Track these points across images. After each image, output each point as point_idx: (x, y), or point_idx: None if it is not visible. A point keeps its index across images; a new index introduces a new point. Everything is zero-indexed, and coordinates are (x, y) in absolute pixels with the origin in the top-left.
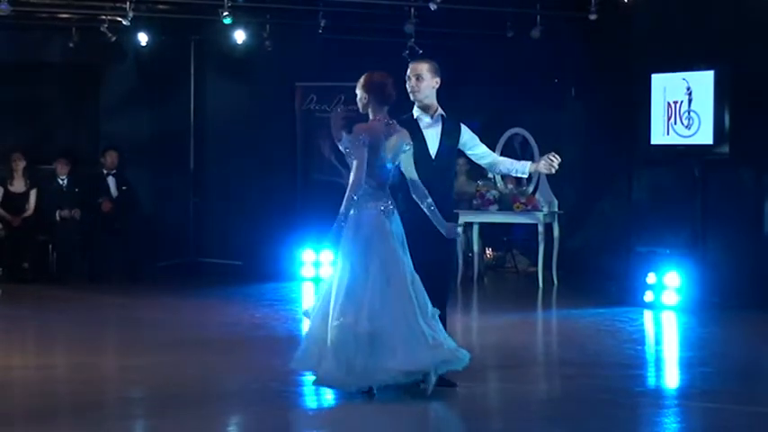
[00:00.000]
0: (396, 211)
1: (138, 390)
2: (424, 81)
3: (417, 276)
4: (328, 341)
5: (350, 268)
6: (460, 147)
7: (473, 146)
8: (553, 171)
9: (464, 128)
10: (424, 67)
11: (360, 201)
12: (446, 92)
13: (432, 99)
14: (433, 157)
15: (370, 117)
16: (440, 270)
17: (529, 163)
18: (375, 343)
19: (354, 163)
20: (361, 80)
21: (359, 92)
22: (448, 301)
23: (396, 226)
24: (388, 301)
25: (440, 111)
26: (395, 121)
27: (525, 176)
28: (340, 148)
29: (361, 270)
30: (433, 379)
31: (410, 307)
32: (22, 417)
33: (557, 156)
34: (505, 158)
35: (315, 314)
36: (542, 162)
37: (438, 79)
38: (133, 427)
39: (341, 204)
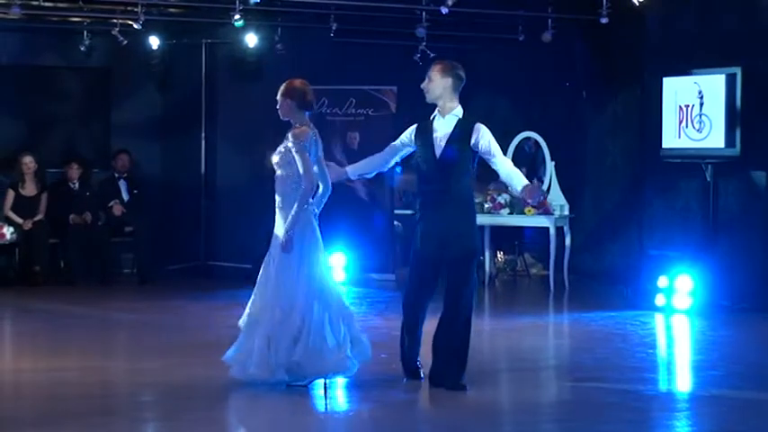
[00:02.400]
0: (316, 216)
1: (148, 393)
2: (432, 82)
3: (329, 277)
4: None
5: (282, 265)
6: (474, 148)
7: (487, 154)
8: (534, 201)
9: (481, 131)
10: (434, 68)
11: (299, 203)
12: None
13: (443, 99)
14: (438, 156)
15: (293, 123)
16: (458, 271)
17: (522, 183)
18: (298, 339)
19: (302, 167)
20: (282, 87)
21: (280, 98)
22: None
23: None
24: (307, 304)
25: (454, 111)
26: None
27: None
28: (275, 155)
29: (295, 267)
30: (327, 385)
31: (320, 308)
32: (33, 420)
33: (542, 186)
34: (513, 171)
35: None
36: (529, 187)
37: (450, 79)
38: (143, 429)
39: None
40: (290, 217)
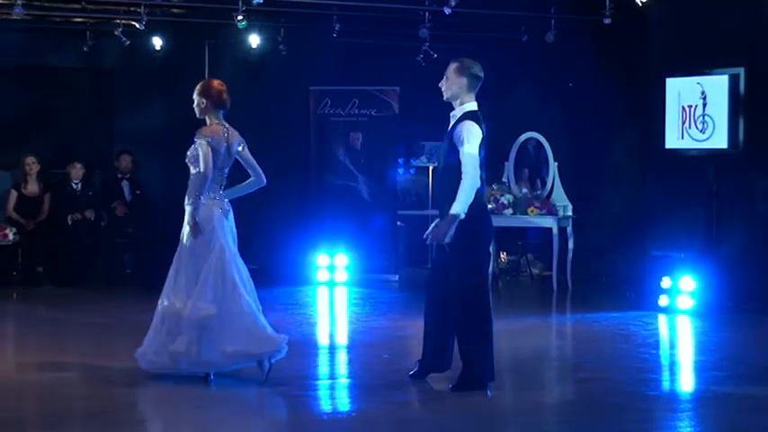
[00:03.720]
0: (231, 210)
1: (150, 394)
2: (447, 81)
3: (247, 271)
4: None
5: (188, 259)
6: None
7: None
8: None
9: (458, 128)
10: (450, 68)
11: (205, 199)
12: None
13: (456, 98)
14: (441, 156)
15: (207, 122)
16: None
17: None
18: (208, 330)
19: (202, 160)
20: (199, 87)
21: (196, 97)
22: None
23: (231, 223)
24: (224, 292)
25: (460, 111)
26: (227, 124)
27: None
28: (188, 152)
29: (200, 261)
30: (267, 365)
31: (245, 298)
32: (36, 420)
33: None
34: (460, 189)
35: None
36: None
37: (465, 78)
38: (146, 429)
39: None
40: (188, 207)
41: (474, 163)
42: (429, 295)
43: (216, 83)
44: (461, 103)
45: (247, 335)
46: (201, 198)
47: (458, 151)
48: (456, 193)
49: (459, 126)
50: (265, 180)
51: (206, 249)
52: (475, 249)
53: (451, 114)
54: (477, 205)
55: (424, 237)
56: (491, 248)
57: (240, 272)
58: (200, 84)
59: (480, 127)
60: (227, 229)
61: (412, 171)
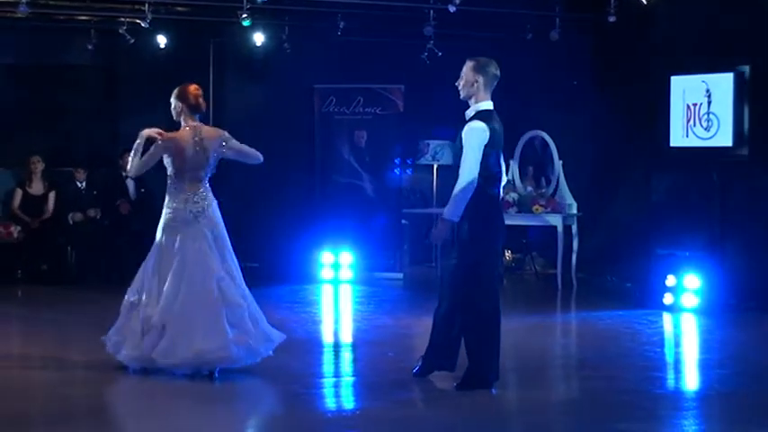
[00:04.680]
0: (210, 209)
1: (154, 391)
2: (463, 79)
3: (233, 275)
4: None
5: (153, 260)
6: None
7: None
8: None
9: (464, 131)
10: (466, 66)
11: (171, 198)
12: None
13: (471, 97)
14: (455, 155)
15: (182, 124)
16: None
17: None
18: (168, 330)
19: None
20: (176, 91)
21: (173, 101)
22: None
23: (208, 224)
24: (185, 295)
25: (473, 110)
26: (202, 125)
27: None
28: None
29: (164, 263)
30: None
31: (210, 302)
32: (40, 418)
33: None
34: (452, 198)
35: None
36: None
37: (480, 77)
38: (150, 427)
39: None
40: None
41: (469, 167)
42: (439, 294)
43: (192, 87)
44: (476, 102)
45: (201, 340)
46: (167, 199)
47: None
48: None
49: (465, 126)
50: (261, 157)
51: (170, 251)
52: (484, 250)
53: (466, 113)
54: (489, 205)
55: (427, 237)
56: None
57: (204, 276)
58: (178, 88)
59: (492, 126)
60: (195, 233)
61: (409, 171)
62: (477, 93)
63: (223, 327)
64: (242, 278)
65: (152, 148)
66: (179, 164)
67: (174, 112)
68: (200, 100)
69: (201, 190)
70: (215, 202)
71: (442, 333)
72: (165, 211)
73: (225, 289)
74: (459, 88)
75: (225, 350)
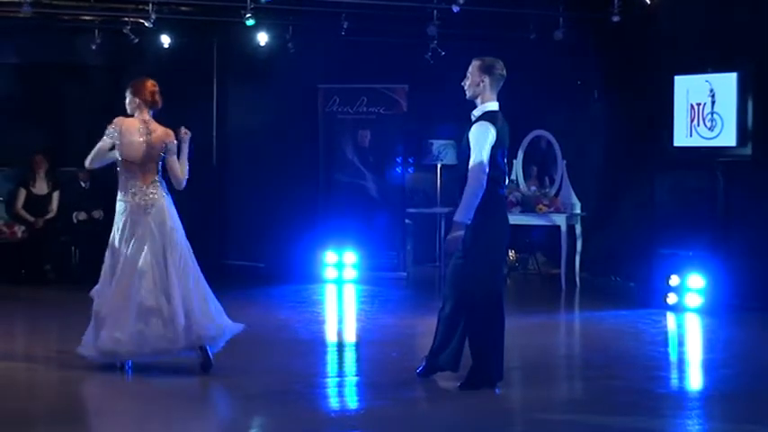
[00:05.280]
0: (162, 202)
1: (158, 391)
2: (469, 79)
3: (189, 263)
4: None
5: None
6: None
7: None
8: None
9: (471, 132)
10: (472, 66)
11: (122, 191)
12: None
13: (477, 97)
14: (460, 155)
15: (136, 115)
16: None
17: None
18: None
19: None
20: (131, 85)
21: (128, 95)
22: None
23: (158, 215)
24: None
25: (480, 111)
26: (153, 121)
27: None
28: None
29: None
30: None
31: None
32: (45, 417)
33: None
34: (463, 196)
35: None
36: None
37: (487, 77)
38: (154, 428)
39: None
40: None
41: (479, 168)
42: (443, 294)
43: (149, 83)
44: (482, 102)
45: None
46: (119, 194)
47: (467, 150)
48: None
49: (472, 128)
50: (183, 184)
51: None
52: (489, 249)
53: (472, 113)
54: (495, 204)
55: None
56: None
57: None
58: (133, 82)
59: (498, 127)
60: (144, 224)
61: (412, 170)
62: (484, 93)
63: (127, 320)
64: (184, 274)
65: (101, 141)
66: (126, 153)
67: (128, 107)
68: (156, 96)
69: (153, 182)
70: (168, 197)
71: (446, 333)
72: (117, 204)
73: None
74: (465, 88)
75: (129, 344)
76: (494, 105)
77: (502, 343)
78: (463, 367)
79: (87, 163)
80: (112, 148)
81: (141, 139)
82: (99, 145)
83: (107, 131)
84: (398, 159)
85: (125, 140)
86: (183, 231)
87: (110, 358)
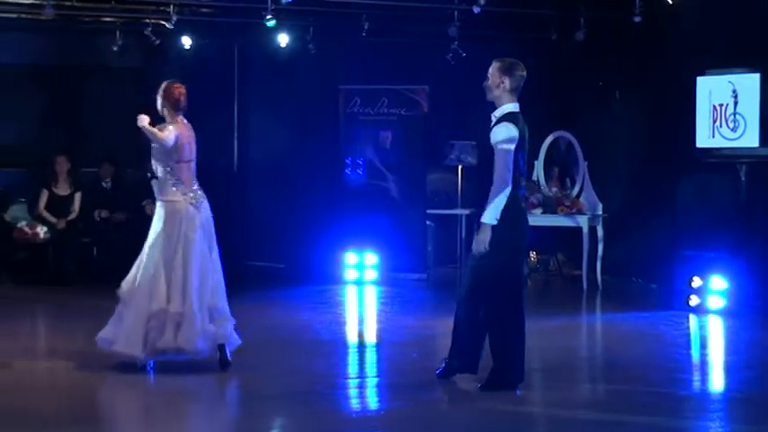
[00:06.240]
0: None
1: (181, 393)
2: (489, 80)
3: (211, 265)
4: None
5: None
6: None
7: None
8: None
9: (494, 134)
10: (493, 67)
11: (168, 192)
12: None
13: (500, 99)
14: (482, 156)
15: (168, 120)
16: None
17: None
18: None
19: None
20: (160, 89)
21: (159, 99)
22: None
23: (205, 211)
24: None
25: (500, 112)
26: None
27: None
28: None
29: (169, 256)
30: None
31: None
32: (71, 419)
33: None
34: (490, 197)
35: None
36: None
37: (507, 78)
38: (174, 428)
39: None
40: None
41: (504, 162)
42: (460, 295)
43: (175, 86)
44: (503, 104)
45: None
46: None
47: (493, 152)
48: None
49: (494, 129)
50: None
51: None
52: (509, 250)
53: (492, 115)
54: (515, 205)
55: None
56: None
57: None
58: (162, 86)
59: (519, 128)
60: (196, 222)
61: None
62: (504, 94)
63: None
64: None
65: (165, 132)
66: (180, 155)
67: (161, 111)
68: (183, 99)
69: (196, 181)
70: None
71: (464, 334)
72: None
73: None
74: (486, 89)
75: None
76: (514, 107)
77: (523, 344)
78: (482, 369)
79: (161, 142)
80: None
81: (190, 142)
82: (160, 134)
83: (171, 134)
84: (422, 161)
85: (180, 143)
86: None
87: (159, 356)
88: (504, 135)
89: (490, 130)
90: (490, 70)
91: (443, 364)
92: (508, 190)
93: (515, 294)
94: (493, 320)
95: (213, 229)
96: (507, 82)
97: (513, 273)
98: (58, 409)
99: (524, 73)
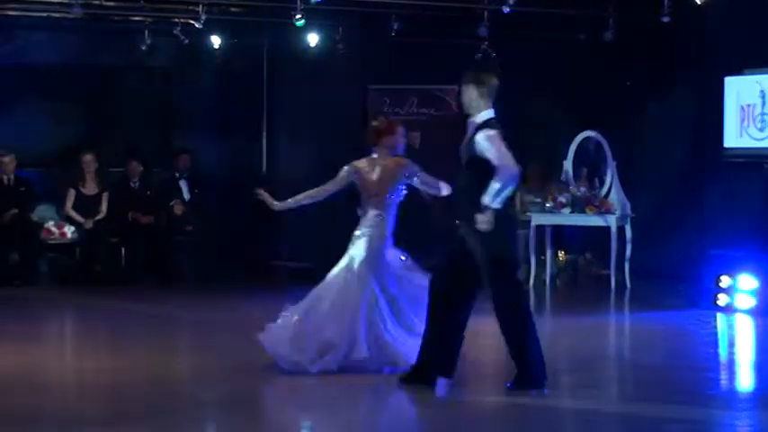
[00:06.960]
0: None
1: (210, 391)
2: (462, 97)
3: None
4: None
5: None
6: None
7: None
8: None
9: (483, 138)
10: (462, 82)
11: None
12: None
13: (472, 109)
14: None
15: None
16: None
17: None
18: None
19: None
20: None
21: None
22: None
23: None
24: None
25: (474, 119)
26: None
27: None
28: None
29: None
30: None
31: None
32: (98, 419)
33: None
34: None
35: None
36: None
37: (472, 87)
38: (204, 428)
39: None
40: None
41: (509, 161)
42: (436, 299)
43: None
44: (478, 112)
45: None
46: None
47: (474, 158)
48: (471, 197)
49: (479, 136)
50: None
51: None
52: (508, 248)
53: (468, 121)
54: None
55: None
56: (530, 254)
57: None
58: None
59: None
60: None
61: None
62: (472, 105)
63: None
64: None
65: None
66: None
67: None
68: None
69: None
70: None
71: (443, 336)
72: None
73: None
74: (464, 108)
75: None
76: (490, 113)
77: (539, 343)
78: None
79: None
80: None
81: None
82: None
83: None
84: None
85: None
86: None
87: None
88: (495, 137)
89: (470, 139)
90: (461, 86)
91: (411, 370)
92: (517, 172)
93: (521, 294)
94: (507, 321)
95: None
96: (475, 91)
97: (515, 273)
98: (85, 411)
99: (492, 79)
